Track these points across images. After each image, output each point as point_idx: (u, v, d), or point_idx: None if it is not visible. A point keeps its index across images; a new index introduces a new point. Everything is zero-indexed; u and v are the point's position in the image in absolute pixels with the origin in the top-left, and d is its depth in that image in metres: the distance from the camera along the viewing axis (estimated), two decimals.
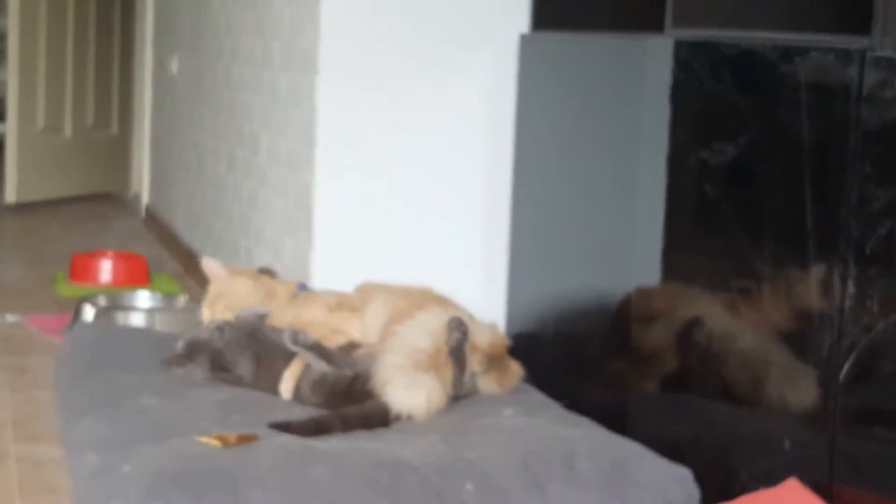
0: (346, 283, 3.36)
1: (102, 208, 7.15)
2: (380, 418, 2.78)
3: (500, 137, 3.70)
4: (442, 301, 3.17)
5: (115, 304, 4.22)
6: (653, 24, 2.93)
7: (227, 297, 3.22)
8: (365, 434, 2.70)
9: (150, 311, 4.09)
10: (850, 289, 2.30)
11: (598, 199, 3.15)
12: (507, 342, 3.10)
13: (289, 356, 3.02)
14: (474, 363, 3.01)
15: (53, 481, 2.85)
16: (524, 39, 3.59)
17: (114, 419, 2.72)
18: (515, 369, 3.12)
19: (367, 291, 3.28)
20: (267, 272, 3.35)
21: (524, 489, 2.47)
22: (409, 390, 2.82)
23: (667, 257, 2.85)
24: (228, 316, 3.14)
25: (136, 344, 3.32)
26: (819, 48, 2.39)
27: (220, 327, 3.07)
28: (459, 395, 2.96)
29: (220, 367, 3.04)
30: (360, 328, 3.19)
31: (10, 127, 6.85)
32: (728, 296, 2.66)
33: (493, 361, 3.05)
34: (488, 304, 3.61)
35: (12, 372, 3.76)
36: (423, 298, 3.17)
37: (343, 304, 3.25)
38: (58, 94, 7.09)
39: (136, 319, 4.01)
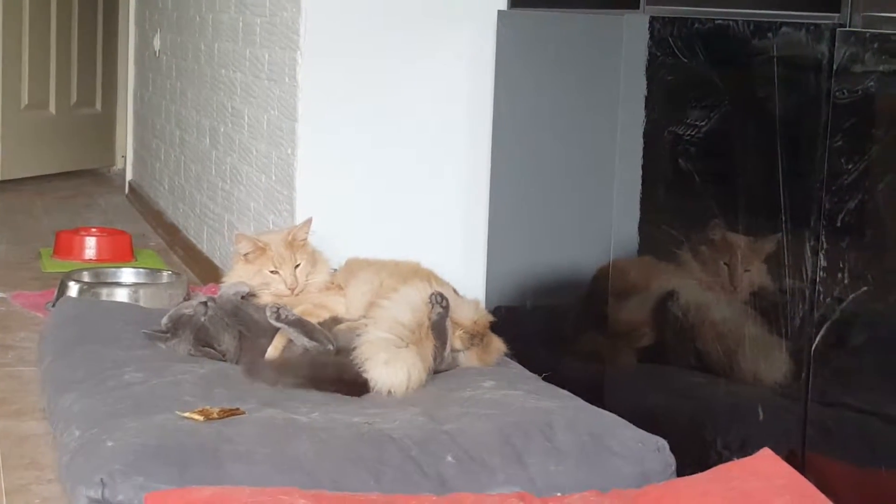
0: (327, 259, 3.38)
1: (86, 185, 7.14)
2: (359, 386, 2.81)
3: (480, 113, 3.71)
4: (428, 276, 3.18)
5: (99, 280, 4.22)
6: (629, 0, 2.95)
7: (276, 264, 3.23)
8: (346, 407, 2.72)
9: (134, 287, 4.10)
10: (822, 261, 2.32)
11: (576, 174, 3.17)
12: (490, 319, 3.12)
13: (272, 332, 3.04)
14: (456, 340, 3.02)
15: (37, 456, 2.87)
16: (502, 16, 3.60)
17: (97, 394, 2.73)
18: (498, 346, 3.13)
19: (353, 267, 3.30)
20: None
21: (504, 461, 2.48)
22: (389, 366, 2.83)
23: (643, 231, 2.87)
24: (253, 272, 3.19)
25: (119, 319, 3.33)
26: (791, 24, 2.41)
27: (205, 302, 3.09)
28: (440, 369, 2.99)
29: (203, 342, 3.06)
30: (344, 304, 3.20)
31: None
32: (702, 268, 2.69)
33: (475, 338, 3.06)
34: (468, 278, 3.63)
35: None
36: (410, 274, 3.18)
37: (332, 282, 3.27)
38: (42, 72, 7.07)
39: (120, 295, 4.01)
